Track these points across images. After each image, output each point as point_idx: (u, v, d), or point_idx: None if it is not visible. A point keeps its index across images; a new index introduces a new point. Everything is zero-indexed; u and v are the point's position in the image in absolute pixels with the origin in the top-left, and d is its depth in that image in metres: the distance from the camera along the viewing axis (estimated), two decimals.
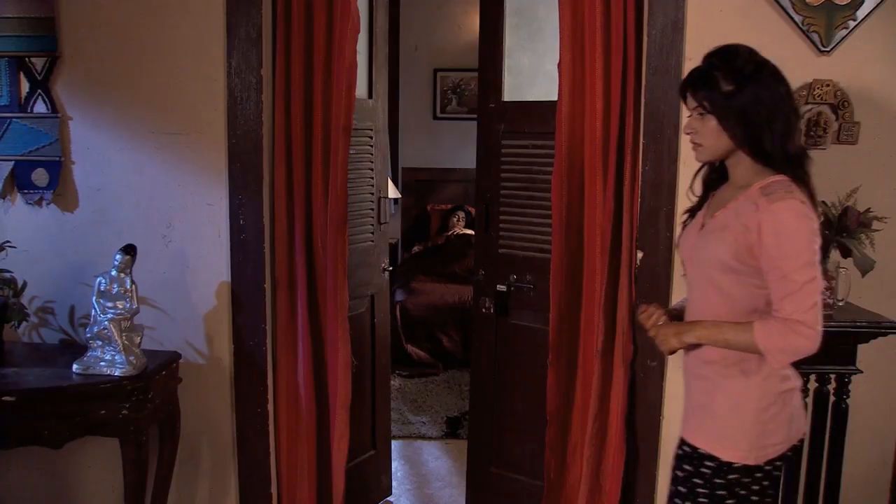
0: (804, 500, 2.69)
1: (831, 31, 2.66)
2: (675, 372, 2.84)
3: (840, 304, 2.60)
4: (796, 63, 2.68)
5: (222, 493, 3.09)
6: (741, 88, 1.95)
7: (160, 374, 2.76)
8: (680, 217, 2.40)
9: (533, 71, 3.29)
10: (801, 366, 2.50)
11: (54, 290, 3.00)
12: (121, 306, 2.66)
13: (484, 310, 3.39)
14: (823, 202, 2.56)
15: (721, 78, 1.97)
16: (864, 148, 2.71)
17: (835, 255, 2.54)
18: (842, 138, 2.70)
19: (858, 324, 2.50)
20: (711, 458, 2.05)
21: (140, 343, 2.72)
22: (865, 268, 2.51)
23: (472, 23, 7.38)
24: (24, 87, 2.89)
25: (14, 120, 2.90)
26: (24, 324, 2.92)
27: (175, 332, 2.98)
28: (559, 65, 2.81)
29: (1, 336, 2.82)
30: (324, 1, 2.84)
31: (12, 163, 2.92)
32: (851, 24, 2.65)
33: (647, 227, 2.78)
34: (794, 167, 1.98)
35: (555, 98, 2.88)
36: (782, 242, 1.89)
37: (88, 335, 2.68)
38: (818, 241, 1.92)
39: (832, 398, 2.62)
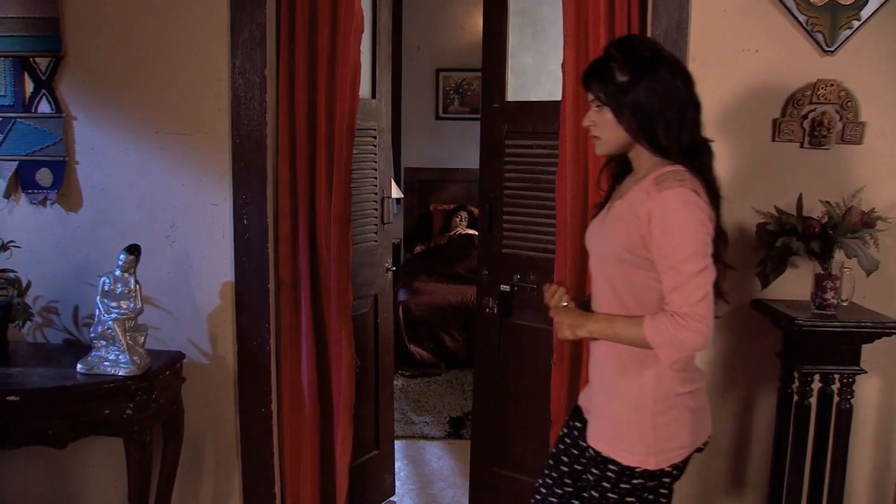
0: (808, 501, 2.69)
1: (835, 31, 2.66)
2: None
3: (844, 304, 2.60)
4: (800, 63, 2.69)
5: (226, 492, 3.09)
6: (635, 80, 1.94)
7: (164, 373, 2.76)
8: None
9: (536, 71, 3.28)
10: (806, 366, 2.53)
11: (58, 289, 3.00)
12: (125, 306, 2.66)
13: (487, 310, 3.38)
14: (828, 202, 2.56)
15: (617, 70, 1.96)
16: (868, 148, 2.71)
17: (839, 255, 2.54)
18: (846, 138, 2.70)
19: (862, 324, 2.50)
20: (613, 462, 2.02)
21: (144, 343, 2.72)
22: (870, 268, 2.51)
23: (475, 23, 7.38)
24: (29, 86, 2.89)
25: (18, 120, 2.90)
26: (29, 323, 2.92)
27: (179, 332, 2.99)
28: (563, 65, 2.80)
29: (5, 336, 2.83)
30: (327, 1, 2.84)
31: (16, 163, 2.92)
32: (855, 23, 2.65)
33: None
34: (691, 158, 1.96)
35: (558, 98, 2.87)
36: (670, 232, 1.87)
37: (92, 335, 2.68)
38: (707, 231, 1.89)
39: (836, 398, 2.62)
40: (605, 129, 2.02)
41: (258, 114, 2.85)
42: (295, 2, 2.84)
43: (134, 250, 2.68)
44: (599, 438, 2.07)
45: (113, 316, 2.65)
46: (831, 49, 2.67)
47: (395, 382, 4.71)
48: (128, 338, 2.66)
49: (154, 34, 2.86)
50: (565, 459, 2.26)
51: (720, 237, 1.99)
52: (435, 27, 7.48)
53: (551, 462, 2.26)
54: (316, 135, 2.92)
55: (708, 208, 1.91)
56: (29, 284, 2.87)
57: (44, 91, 2.89)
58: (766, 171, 2.74)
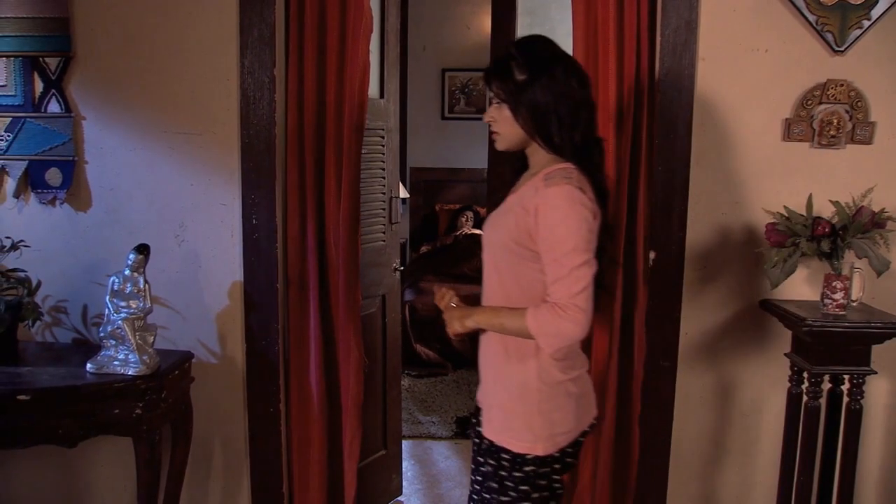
0: (817, 502, 2.68)
1: (845, 31, 2.66)
2: (687, 372, 2.85)
3: (854, 304, 2.60)
4: (810, 63, 2.69)
5: (234, 492, 3.09)
6: (532, 80, 2.01)
7: (173, 373, 2.76)
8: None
9: None
10: (816, 366, 2.52)
11: (67, 289, 3.00)
12: (134, 305, 2.66)
13: None
14: (838, 202, 2.56)
15: (516, 69, 2.04)
16: (878, 148, 2.71)
17: (849, 255, 2.54)
18: (856, 138, 2.70)
19: (873, 324, 2.50)
20: (505, 450, 2.09)
21: (153, 342, 2.72)
22: (880, 268, 2.50)
23: (481, 23, 7.39)
24: (38, 86, 2.90)
25: (28, 120, 2.90)
26: (38, 323, 2.92)
27: (188, 332, 2.99)
28: None
29: (15, 335, 2.83)
30: (337, 0, 2.84)
31: (26, 162, 2.92)
32: (866, 23, 2.64)
33: (660, 228, 2.78)
34: (582, 156, 2.05)
35: None
36: (553, 226, 1.94)
37: (102, 334, 2.68)
38: (590, 228, 1.96)
39: (846, 399, 2.61)
40: (504, 126, 2.09)
41: (267, 113, 2.85)
42: (304, 1, 2.84)
43: (143, 250, 2.67)
44: (490, 428, 2.14)
45: (122, 315, 2.65)
46: (841, 49, 2.66)
47: (401, 382, 4.70)
48: (137, 337, 2.65)
49: (163, 34, 2.86)
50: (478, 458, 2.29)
51: (605, 233, 2.11)
52: (441, 27, 7.48)
53: (472, 464, 2.27)
54: (325, 134, 2.92)
55: (592, 205, 1.99)
56: (39, 284, 2.87)
57: (53, 91, 2.89)
58: (776, 171, 2.73)
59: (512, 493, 2.08)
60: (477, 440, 2.23)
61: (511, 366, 2.11)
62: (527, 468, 2.07)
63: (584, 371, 2.19)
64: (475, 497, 2.20)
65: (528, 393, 2.08)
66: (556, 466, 2.11)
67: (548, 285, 1.97)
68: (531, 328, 1.96)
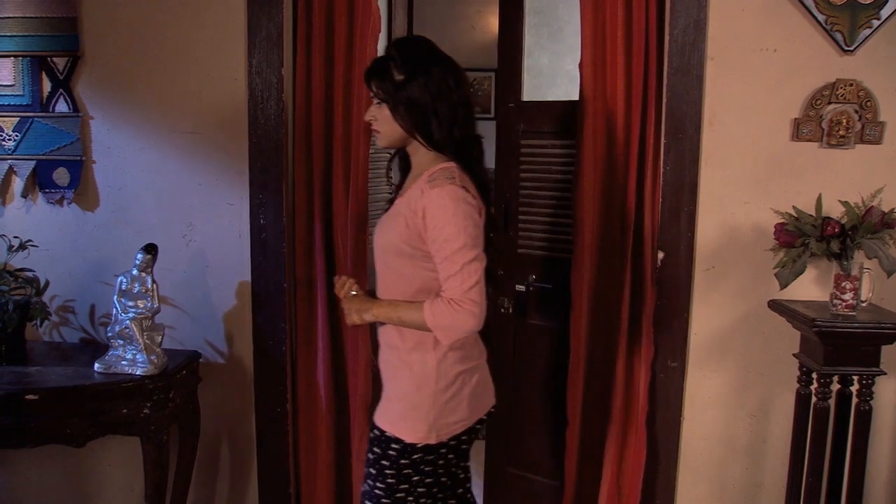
0: (826, 503, 2.67)
1: (854, 31, 2.64)
2: (696, 372, 2.84)
3: (863, 304, 2.58)
4: (819, 62, 2.67)
5: (242, 491, 3.09)
6: (410, 79, 2.09)
7: (181, 373, 2.77)
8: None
9: (553, 71, 3.28)
10: (825, 367, 2.51)
11: (75, 289, 3.01)
12: (142, 305, 2.67)
13: (503, 310, 3.37)
14: (847, 202, 2.55)
15: (394, 68, 2.10)
16: (888, 147, 2.69)
17: (859, 255, 2.53)
18: (865, 138, 2.68)
19: (882, 325, 2.48)
20: (397, 440, 2.15)
21: (161, 342, 2.72)
22: (890, 269, 2.49)
23: (486, 23, 7.35)
24: (46, 86, 2.91)
25: (36, 119, 2.91)
26: (46, 322, 2.92)
27: (195, 332, 2.99)
28: (580, 64, 2.80)
29: (23, 335, 2.83)
30: (345, 0, 2.84)
31: (34, 162, 2.93)
32: (875, 23, 2.63)
33: (669, 228, 2.77)
34: (462, 153, 2.15)
35: (575, 98, 2.87)
36: (442, 226, 2.02)
37: (110, 334, 2.69)
38: (475, 224, 2.06)
39: (855, 399, 2.60)
40: (383, 124, 2.15)
41: (275, 113, 2.85)
42: (312, 1, 2.84)
43: (151, 249, 2.68)
44: (385, 419, 2.20)
45: (130, 315, 2.66)
46: (850, 48, 2.65)
47: None
48: (145, 337, 2.66)
49: (171, 34, 2.87)
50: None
51: (490, 226, 2.19)
52: (446, 27, 7.43)
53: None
54: (332, 134, 2.92)
55: (476, 202, 2.10)
56: (47, 284, 2.88)
57: (61, 90, 2.90)
58: (785, 171, 2.72)
59: (390, 480, 2.16)
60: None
61: (409, 358, 2.17)
62: (415, 456, 2.15)
63: (481, 361, 2.29)
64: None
65: (426, 384, 2.15)
66: (443, 451, 2.19)
67: (441, 282, 2.06)
68: (428, 321, 2.05)
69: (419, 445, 2.14)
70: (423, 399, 2.14)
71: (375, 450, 2.19)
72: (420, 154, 2.18)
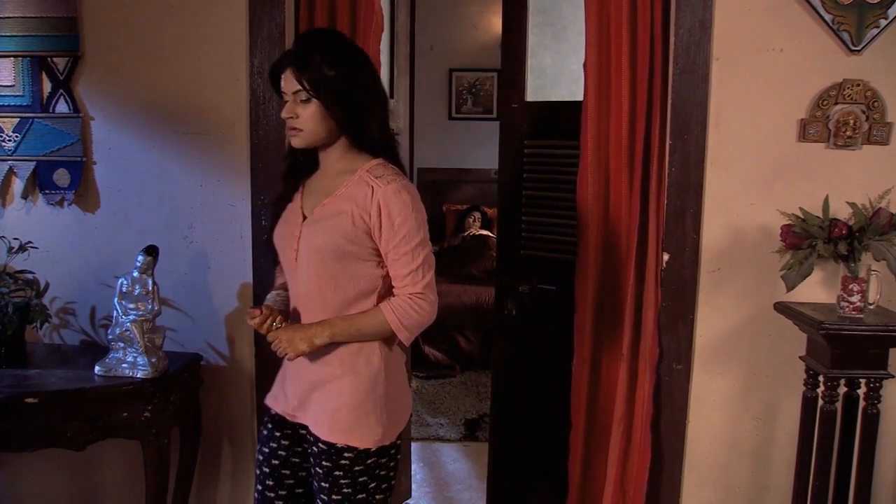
0: None
1: (862, 30, 2.62)
2: (701, 375, 2.82)
3: (871, 307, 2.55)
4: (826, 62, 2.65)
5: (244, 494, 3.07)
6: (342, 74, 2.02)
7: (182, 376, 2.75)
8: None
9: (556, 71, 3.26)
10: (833, 370, 2.49)
11: (75, 291, 2.99)
12: (142, 308, 2.65)
13: (506, 312, 3.35)
14: (854, 204, 2.53)
15: (322, 62, 2.01)
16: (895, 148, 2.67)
17: (866, 257, 2.51)
18: (873, 139, 2.66)
19: (890, 327, 2.45)
20: (349, 448, 2.08)
21: (162, 345, 2.71)
22: None
23: (488, 23, 7.36)
24: (47, 86, 2.88)
25: (36, 120, 2.89)
26: (46, 325, 2.90)
27: (196, 334, 2.97)
28: (585, 64, 2.78)
29: (23, 337, 2.81)
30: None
31: (34, 163, 2.91)
32: (883, 22, 2.61)
33: (674, 229, 2.75)
34: (388, 151, 2.13)
35: (579, 98, 2.85)
36: (402, 222, 2.02)
37: (110, 337, 2.67)
38: (426, 219, 2.09)
39: (862, 403, 2.57)
40: (309, 122, 2.05)
41: (277, 113, 2.81)
42: (314, 0, 2.81)
43: (151, 251, 2.66)
44: (335, 431, 2.09)
45: (131, 318, 2.64)
46: (858, 48, 2.63)
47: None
48: (146, 339, 2.64)
49: (172, 34, 2.85)
50: (287, 472, 2.25)
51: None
52: (448, 27, 7.45)
53: (270, 482, 2.25)
54: None
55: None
56: (47, 286, 2.86)
57: (61, 91, 2.88)
58: (791, 173, 2.70)
59: (346, 490, 2.09)
60: (282, 453, 2.23)
61: (356, 362, 2.10)
62: (369, 461, 2.10)
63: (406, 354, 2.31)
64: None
65: (376, 386, 2.11)
66: (394, 452, 2.18)
67: (398, 278, 2.06)
68: (393, 325, 2.04)
69: (373, 450, 2.09)
70: (375, 402, 2.09)
71: (324, 463, 2.10)
72: (339, 151, 2.11)
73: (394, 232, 2.02)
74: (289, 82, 2.04)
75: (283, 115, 2.08)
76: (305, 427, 2.17)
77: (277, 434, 2.24)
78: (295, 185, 2.22)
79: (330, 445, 2.09)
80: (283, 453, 2.23)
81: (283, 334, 2.09)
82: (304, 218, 2.12)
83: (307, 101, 2.03)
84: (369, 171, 2.06)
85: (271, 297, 2.30)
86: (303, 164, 2.21)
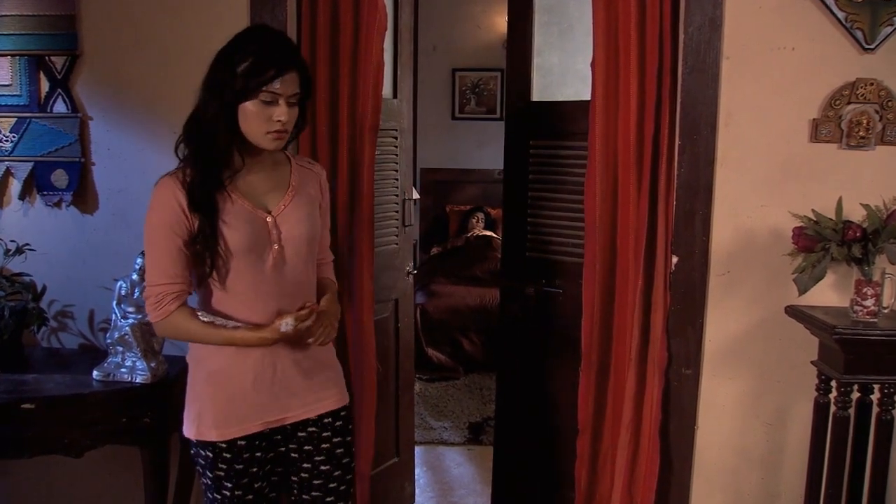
0: None
1: (875, 28, 2.57)
2: (710, 380, 2.78)
3: (885, 311, 2.51)
4: (838, 61, 2.61)
5: None
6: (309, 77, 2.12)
7: (181, 380, 2.68)
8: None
9: (563, 70, 3.22)
10: (846, 375, 2.44)
11: (73, 293, 2.95)
12: (142, 311, 2.60)
13: (511, 315, 3.31)
14: (868, 205, 2.48)
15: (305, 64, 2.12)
16: None
17: (880, 260, 2.46)
18: (886, 139, 2.61)
19: None
20: (344, 407, 2.31)
21: (161, 349, 2.67)
22: None
23: (492, 22, 7.33)
24: (44, 86, 2.84)
25: (33, 120, 2.85)
26: (44, 328, 2.87)
27: None
28: (592, 64, 2.73)
29: (20, 341, 2.77)
30: None
31: (31, 164, 2.87)
32: None
33: (683, 232, 2.70)
34: None
35: (586, 98, 2.81)
36: (328, 200, 2.37)
37: (109, 341, 2.63)
38: None
39: (876, 409, 2.53)
40: (291, 124, 2.08)
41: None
42: None
43: None
44: (343, 392, 2.33)
45: (130, 321, 2.60)
46: (871, 46, 2.58)
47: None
48: (145, 344, 2.60)
49: (172, 32, 2.81)
50: (264, 485, 2.23)
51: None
52: (451, 26, 7.43)
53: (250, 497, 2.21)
54: (338, 135, 2.85)
55: None
56: (44, 289, 2.82)
57: (59, 90, 2.84)
58: (803, 174, 2.65)
59: (339, 451, 2.29)
60: (272, 454, 2.24)
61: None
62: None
63: None
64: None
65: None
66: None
67: (324, 249, 2.36)
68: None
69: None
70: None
71: (324, 434, 2.28)
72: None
73: (326, 208, 2.32)
74: (290, 85, 2.01)
75: (284, 118, 2.03)
76: (293, 424, 2.22)
77: (246, 455, 2.16)
78: (219, 183, 2.09)
79: (336, 413, 2.27)
80: (261, 472, 2.20)
81: (321, 323, 2.16)
82: (272, 211, 2.13)
83: (294, 104, 2.05)
84: (294, 158, 2.26)
85: (230, 324, 2.11)
86: (234, 165, 2.11)
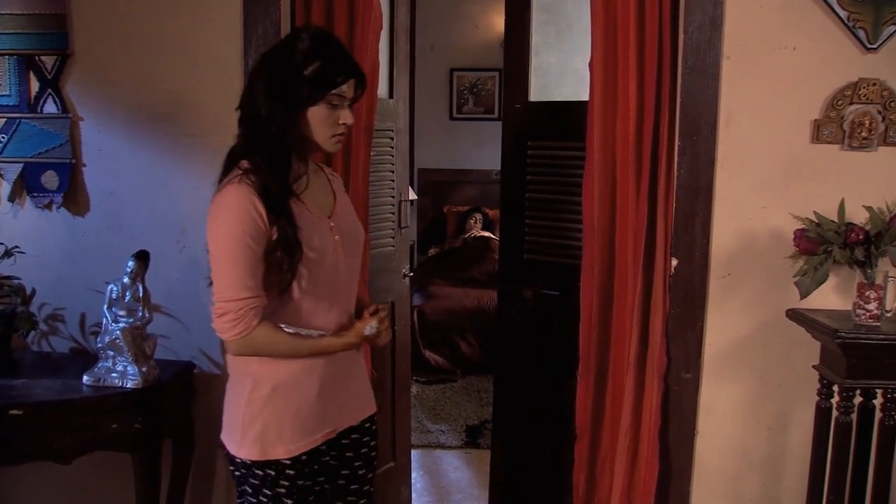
0: None
1: (878, 27, 2.53)
2: (710, 384, 2.74)
3: (888, 314, 2.47)
4: (841, 61, 2.58)
5: None
6: None
7: (174, 385, 2.69)
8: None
9: (561, 70, 3.18)
10: (848, 380, 2.41)
11: (64, 297, 2.92)
12: (133, 315, 2.58)
13: (508, 317, 3.27)
14: (870, 207, 2.44)
15: None
16: None
17: (883, 263, 2.42)
18: (889, 140, 2.57)
19: None
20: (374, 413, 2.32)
21: (153, 353, 2.63)
22: None
23: (489, 22, 7.30)
24: (34, 86, 2.81)
25: (23, 120, 2.81)
26: (34, 332, 2.83)
27: (189, 342, 2.90)
28: (591, 63, 2.70)
29: (9, 345, 2.74)
30: None
31: (21, 165, 2.84)
32: None
33: (683, 234, 2.67)
34: None
35: (584, 98, 2.77)
36: None
37: (99, 345, 2.59)
38: None
39: (879, 414, 2.49)
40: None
41: None
42: None
43: (142, 257, 2.60)
44: (374, 398, 2.33)
45: (121, 325, 2.56)
46: (874, 46, 2.54)
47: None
48: (136, 348, 2.57)
49: (165, 32, 2.78)
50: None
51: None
52: (449, 26, 7.40)
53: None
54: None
55: None
56: (33, 292, 2.79)
57: (50, 91, 2.80)
58: (805, 175, 2.62)
59: (373, 455, 2.32)
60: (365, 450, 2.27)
61: None
62: None
63: None
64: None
65: None
66: None
67: None
68: None
69: None
70: None
71: (366, 440, 2.30)
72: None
73: None
74: (351, 87, 2.02)
75: (350, 120, 2.03)
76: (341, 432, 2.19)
77: (307, 470, 2.10)
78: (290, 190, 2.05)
79: (371, 417, 2.29)
80: (315, 485, 2.14)
81: (386, 324, 2.19)
82: (328, 220, 2.09)
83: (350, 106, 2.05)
84: (318, 163, 2.22)
85: (314, 333, 2.08)
86: (295, 170, 2.07)
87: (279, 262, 1.94)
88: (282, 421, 2.02)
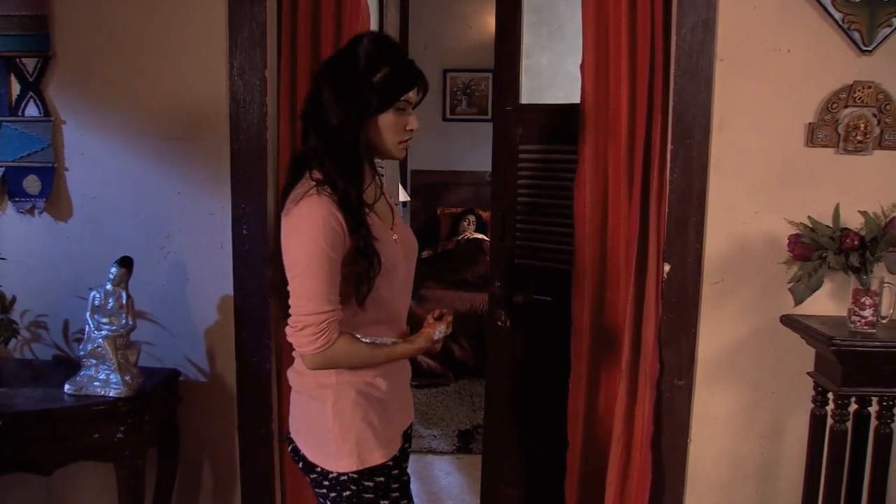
0: None
1: (873, 29, 2.50)
2: (703, 391, 2.71)
3: (884, 321, 2.44)
4: (836, 63, 2.55)
5: None
6: None
7: (158, 393, 2.63)
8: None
9: (552, 72, 3.16)
10: (843, 387, 2.37)
11: (47, 303, 2.87)
12: (116, 322, 2.53)
13: (500, 323, 3.24)
14: (866, 212, 2.41)
15: None
16: None
17: (879, 269, 2.39)
18: (884, 143, 2.54)
19: None
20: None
21: (137, 361, 2.59)
22: None
23: (483, 22, 7.27)
24: (15, 88, 2.76)
25: (4, 124, 2.76)
26: (15, 340, 2.78)
27: (175, 349, 2.85)
28: (582, 65, 2.66)
29: None
30: None
31: (2, 169, 2.79)
32: (895, 21, 2.49)
33: (675, 238, 2.63)
34: None
35: (576, 100, 2.74)
36: None
37: (82, 353, 2.54)
38: None
39: (874, 422, 2.46)
40: None
41: (258, 118, 2.70)
42: None
43: (126, 263, 2.55)
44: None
45: (104, 333, 2.52)
46: (869, 48, 2.51)
47: None
48: (119, 356, 2.52)
49: (148, 33, 2.72)
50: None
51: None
52: (442, 27, 7.37)
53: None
54: None
55: None
56: (14, 300, 2.74)
57: (31, 93, 2.75)
58: (799, 179, 2.58)
59: None
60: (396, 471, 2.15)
61: None
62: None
63: None
64: None
65: None
66: None
67: None
68: None
69: None
70: None
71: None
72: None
73: None
74: (415, 94, 1.99)
75: (416, 125, 2.00)
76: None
77: (396, 472, 2.11)
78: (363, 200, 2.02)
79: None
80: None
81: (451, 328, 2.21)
82: (393, 225, 2.11)
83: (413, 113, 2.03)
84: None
85: (388, 341, 2.09)
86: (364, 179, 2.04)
87: (358, 274, 1.92)
88: (373, 424, 2.00)
